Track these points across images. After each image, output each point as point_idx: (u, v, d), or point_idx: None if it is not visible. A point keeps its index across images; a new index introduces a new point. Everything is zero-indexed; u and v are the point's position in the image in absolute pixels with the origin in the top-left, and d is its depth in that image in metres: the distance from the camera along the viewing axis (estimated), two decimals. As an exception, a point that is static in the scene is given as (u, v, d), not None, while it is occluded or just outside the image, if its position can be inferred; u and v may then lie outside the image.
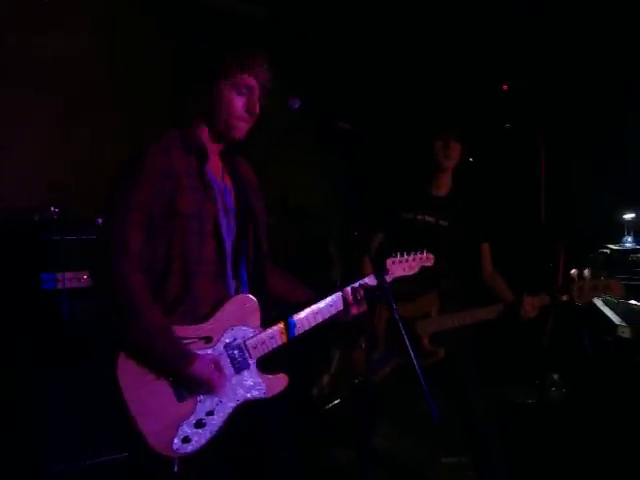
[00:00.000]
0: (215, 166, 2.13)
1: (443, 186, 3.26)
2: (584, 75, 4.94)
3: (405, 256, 2.38)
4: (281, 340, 2.09)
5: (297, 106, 2.08)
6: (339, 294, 2.20)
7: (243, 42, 2.09)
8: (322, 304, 2.17)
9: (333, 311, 2.18)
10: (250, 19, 4.95)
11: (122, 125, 4.50)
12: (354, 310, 2.20)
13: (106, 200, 1.97)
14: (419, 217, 3.20)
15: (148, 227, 1.93)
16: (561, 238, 2.86)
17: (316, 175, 5.54)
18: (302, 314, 2.13)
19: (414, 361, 1.81)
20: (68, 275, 3.11)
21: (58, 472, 2.97)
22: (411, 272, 2.40)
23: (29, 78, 3.74)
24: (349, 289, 2.20)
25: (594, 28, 4.71)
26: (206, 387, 1.93)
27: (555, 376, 4.66)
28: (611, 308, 3.96)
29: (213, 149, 2.12)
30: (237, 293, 2.10)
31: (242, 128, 2.10)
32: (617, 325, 3.88)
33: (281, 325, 2.10)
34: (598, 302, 3.94)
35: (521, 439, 3.41)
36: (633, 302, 3.88)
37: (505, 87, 4.94)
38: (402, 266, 2.37)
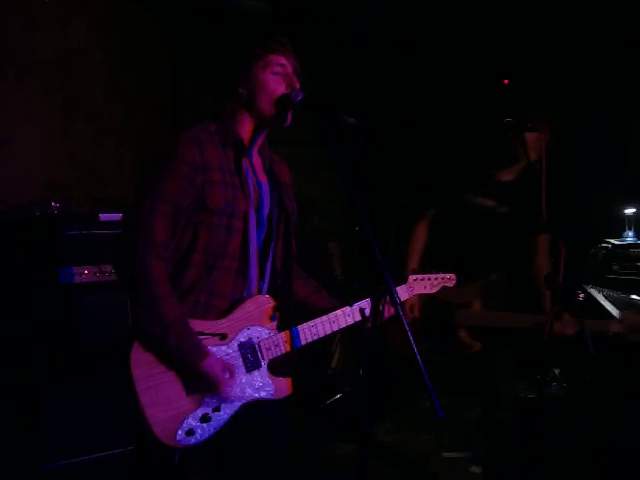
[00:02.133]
0: (253, 162, 2.10)
1: (511, 171, 2.96)
2: (585, 70, 4.93)
3: (428, 274, 2.34)
4: (285, 348, 2.07)
5: (300, 98, 2.00)
6: (350, 308, 2.15)
7: (256, 33, 2.08)
8: (326, 317, 2.13)
9: (350, 321, 2.14)
10: (252, 14, 4.94)
11: (122, 122, 4.51)
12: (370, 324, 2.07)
13: (136, 188, 1.96)
14: (479, 200, 2.94)
15: (174, 218, 1.92)
16: (562, 233, 2.83)
17: (318, 170, 5.53)
18: (305, 325, 2.10)
19: (418, 357, 1.77)
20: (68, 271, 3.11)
21: (54, 468, 2.96)
22: (432, 291, 2.36)
23: (29, 76, 3.74)
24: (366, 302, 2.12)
25: (595, 22, 4.70)
26: (214, 385, 1.93)
27: (556, 371, 4.66)
28: (612, 303, 3.95)
29: (251, 145, 2.09)
30: (259, 292, 2.08)
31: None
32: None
33: (287, 333, 2.08)
34: (599, 297, 3.93)
35: (521, 434, 3.41)
36: (634, 297, 3.87)
37: (506, 82, 4.94)
38: (424, 284, 2.33)
